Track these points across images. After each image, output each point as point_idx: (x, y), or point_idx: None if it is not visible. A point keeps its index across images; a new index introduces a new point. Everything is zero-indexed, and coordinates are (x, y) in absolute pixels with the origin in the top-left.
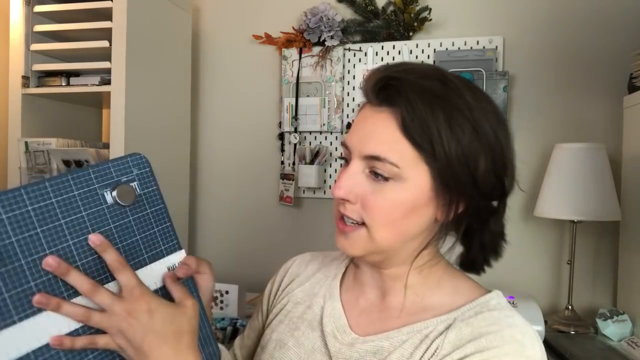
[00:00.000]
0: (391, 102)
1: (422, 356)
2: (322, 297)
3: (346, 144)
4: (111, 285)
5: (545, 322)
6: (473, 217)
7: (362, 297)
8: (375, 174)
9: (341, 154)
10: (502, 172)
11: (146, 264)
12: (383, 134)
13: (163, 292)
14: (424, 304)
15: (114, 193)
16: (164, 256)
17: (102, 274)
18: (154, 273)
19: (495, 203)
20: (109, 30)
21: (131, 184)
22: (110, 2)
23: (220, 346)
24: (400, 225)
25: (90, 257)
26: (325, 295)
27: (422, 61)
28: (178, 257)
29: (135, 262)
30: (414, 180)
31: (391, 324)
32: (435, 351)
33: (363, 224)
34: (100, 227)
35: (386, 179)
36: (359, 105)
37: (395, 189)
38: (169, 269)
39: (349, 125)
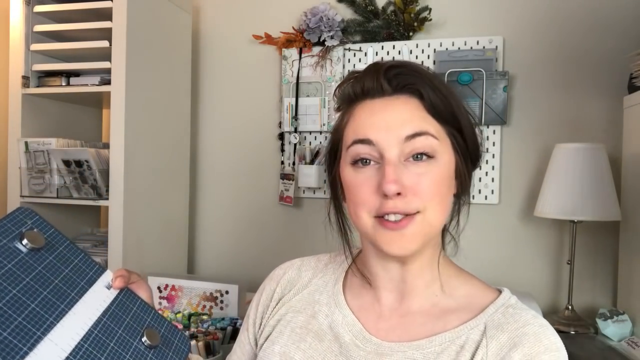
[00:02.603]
0: (406, 87)
1: None
2: (326, 305)
3: (370, 140)
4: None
5: None
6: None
7: (377, 303)
8: (416, 156)
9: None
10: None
11: (87, 290)
12: (413, 115)
13: (113, 308)
14: (443, 305)
15: (24, 241)
16: (97, 279)
17: (54, 312)
18: (97, 294)
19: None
20: (109, 30)
21: (33, 230)
22: (110, 2)
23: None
24: (445, 201)
25: (39, 298)
26: (330, 304)
27: (422, 61)
28: (108, 276)
29: (77, 290)
30: (444, 154)
31: (417, 330)
32: None
33: (416, 212)
34: (31, 271)
35: (429, 156)
36: (339, 108)
37: (436, 165)
38: (107, 287)
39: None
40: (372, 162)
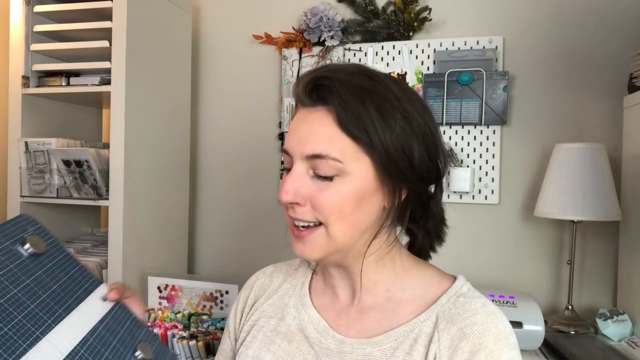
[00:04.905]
0: (324, 100)
1: None
2: (294, 307)
3: (286, 150)
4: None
5: (545, 322)
6: (415, 202)
7: (336, 300)
8: (319, 176)
9: (281, 162)
10: (435, 155)
11: (83, 299)
12: (321, 132)
13: (108, 319)
14: (397, 299)
15: (26, 246)
16: (93, 290)
17: (52, 315)
18: (93, 304)
19: (432, 187)
20: (109, 30)
21: (34, 236)
22: (110, 2)
23: None
24: (353, 218)
25: (38, 300)
26: (297, 305)
27: (422, 61)
28: (104, 288)
29: (74, 298)
30: (357, 172)
31: (373, 326)
32: (436, 358)
33: (320, 224)
34: (31, 274)
35: (330, 178)
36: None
37: (342, 183)
38: (102, 299)
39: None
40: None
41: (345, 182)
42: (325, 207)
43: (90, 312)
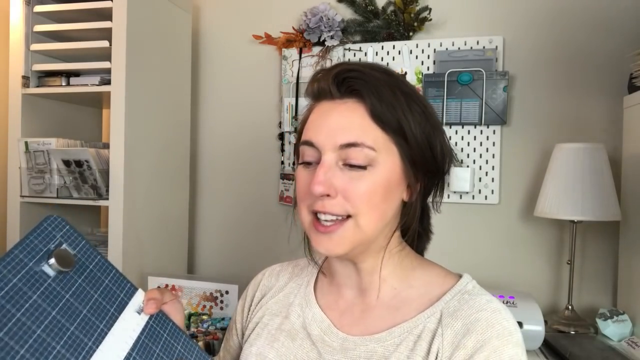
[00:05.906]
0: (355, 92)
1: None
2: (299, 305)
3: (312, 142)
4: None
5: (545, 322)
6: (425, 196)
7: (341, 299)
8: (351, 166)
9: (295, 160)
10: (445, 148)
11: (117, 317)
12: (354, 122)
13: (143, 338)
14: (403, 296)
15: (52, 262)
16: (127, 302)
17: (80, 352)
18: (127, 322)
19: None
20: (109, 30)
21: (62, 247)
22: (110, 2)
23: None
24: (381, 208)
25: (65, 337)
26: (302, 304)
27: (422, 61)
28: (139, 297)
29: (107, 319)
30: (386, 163)
31: (377, 324)
32: (438, 354)
33: (348, 216)
34: (57, 302)
35: (363, 167)
36: (295, 117)
37: (373, 173)
38: (137, 312)
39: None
40: (314, 163)
41: (377, 172)
42: (357, 197)
43: (123, 335)
